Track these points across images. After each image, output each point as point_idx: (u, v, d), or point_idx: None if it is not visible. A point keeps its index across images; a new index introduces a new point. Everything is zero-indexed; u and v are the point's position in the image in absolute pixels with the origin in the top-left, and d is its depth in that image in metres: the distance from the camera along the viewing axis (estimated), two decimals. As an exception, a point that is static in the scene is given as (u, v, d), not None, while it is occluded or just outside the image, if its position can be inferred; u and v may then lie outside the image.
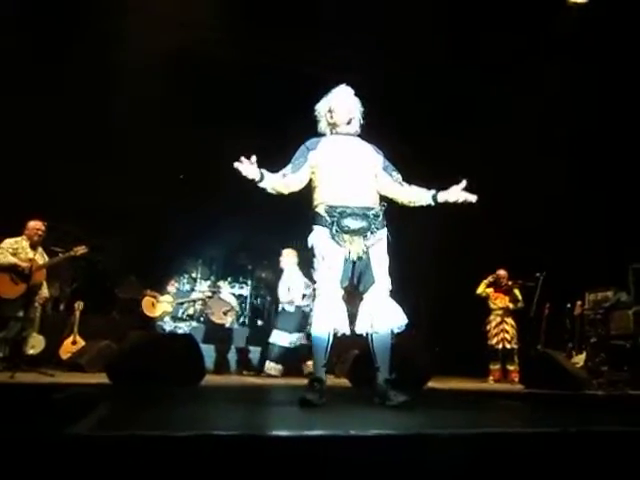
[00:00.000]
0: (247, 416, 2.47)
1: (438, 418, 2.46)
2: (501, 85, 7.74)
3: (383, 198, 3.06)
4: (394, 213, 3.10)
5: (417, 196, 3.07)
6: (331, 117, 3.09)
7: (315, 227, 2.94)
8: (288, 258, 7.03)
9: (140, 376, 3.80)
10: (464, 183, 3.00)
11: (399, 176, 3.10)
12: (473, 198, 3.01)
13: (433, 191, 3.04)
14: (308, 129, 3.18)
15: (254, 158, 2.79)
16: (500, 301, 7.43)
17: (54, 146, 7.35)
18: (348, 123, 3.08)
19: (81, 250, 5.74)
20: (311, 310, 3.02)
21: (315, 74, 6.56)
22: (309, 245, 2.96)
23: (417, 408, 2.66)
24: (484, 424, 2.29)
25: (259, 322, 9.25)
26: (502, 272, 7.51)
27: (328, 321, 2.80)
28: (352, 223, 2.85)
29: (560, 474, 1.69)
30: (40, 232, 5.74)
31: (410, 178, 3.13)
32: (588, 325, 7.22)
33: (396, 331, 2.88)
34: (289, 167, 3.00)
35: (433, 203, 3.04)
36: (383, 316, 2.84)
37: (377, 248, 2.92)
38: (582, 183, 7.66)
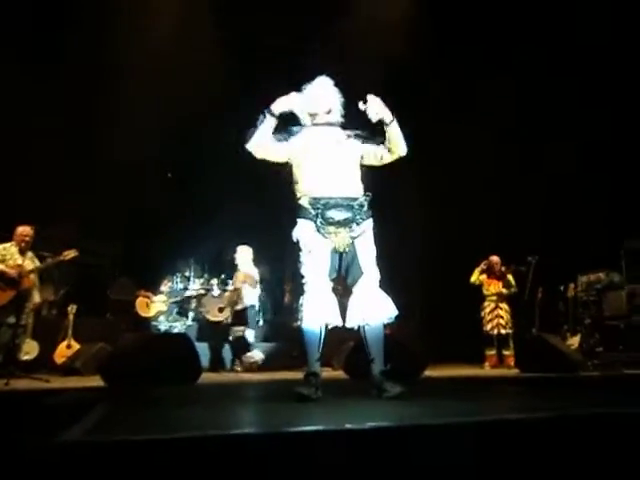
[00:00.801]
0: (243, 414, 2.46)
1: (436, 407, 2.45)
2: (497, 73, 7.79)
3: (367, 187, 3.00)
4: (381, 201, 3.07)
5: (390, 143, 3.00)
6: (311, 108, 3.06)
7: (299, 220, 2.91)
8: (243, 255, 7.32)
9: (135, 377, 3.78)
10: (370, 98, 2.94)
11: (380, 138, 3.04)
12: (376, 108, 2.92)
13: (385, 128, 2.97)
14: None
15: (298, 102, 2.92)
16: (494, 287, 7.44)
17: (46, 151, 7.33)
18: (328, 112, 3.06)
19: (71, 254, 5.69)
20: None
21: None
22: (294, 239, 2.93)
23: (414, 398, 2.65)
24: (482, 412, 2.28)
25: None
26: (495, 258, 7.52)
27: (319, 314, 2.78)
28: (337, 214, 2.82)
29: (560, 459, 1.68)
30: (28, 238, 5.68)
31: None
32: (581, 307, 7.26)
33: (386, 322, 2.85)
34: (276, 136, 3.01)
35: (388, 127, 2.95)
36: (373, 308, 2.82)
37: (363, 239, 2.89)
38: (572, 167, 7.70)
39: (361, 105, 2.92)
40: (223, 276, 8.49)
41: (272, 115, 2.94)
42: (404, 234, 8.66)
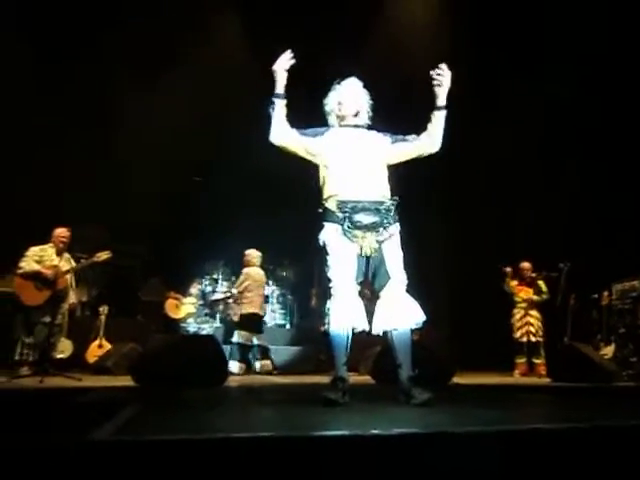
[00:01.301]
0: (269, 417, 2.47)
1: (463, 415, 2.42)
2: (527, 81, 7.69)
3: (394, 191, 2.97)
4: (410, 206, 3.05)
5: (433, 129, 2.97)
6: (339, 109, 3.05)
7: (326, 224, 2.89)
8: (250, 258, 7.28)
9: (164, 378, 3.84)
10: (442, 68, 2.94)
11: (414, 135, 3.03)
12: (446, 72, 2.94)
13: (434, 112, 2.96)
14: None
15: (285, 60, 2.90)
16: (524, 293, 7.31)
17: (79, 155, 7.57)
18: (356, 115, 3.04)
19: (104, 255, 5.79)
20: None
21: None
22: (320, 242, 2.90)
23: (442, 405, 2.62)
24: (510, 420, 2.25)
25: (281, 321, 9.27)
26: (526, 264, 7.40)
27: (346, 319, 2.76)
28: (364, 218, 2.80)
29: (593, 471, 1.64)
30: (65, 239, 5.81)
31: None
32: (616, 316, 7.07)
33: (414, 327, 2.82)
34: (300, 131, 3.00)
35: (439, 112, 2.95)
36: (401, 312, 2.78)
37: (390, 243, 2.85)
38: (607, 174, 7.54)
39: (432, 71, 2.92)
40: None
41: (279, 97, 2.93)
42: (433, 239, 8.59)
